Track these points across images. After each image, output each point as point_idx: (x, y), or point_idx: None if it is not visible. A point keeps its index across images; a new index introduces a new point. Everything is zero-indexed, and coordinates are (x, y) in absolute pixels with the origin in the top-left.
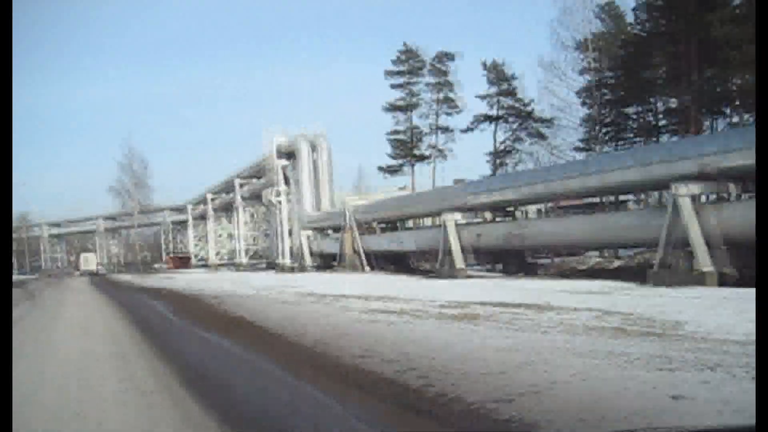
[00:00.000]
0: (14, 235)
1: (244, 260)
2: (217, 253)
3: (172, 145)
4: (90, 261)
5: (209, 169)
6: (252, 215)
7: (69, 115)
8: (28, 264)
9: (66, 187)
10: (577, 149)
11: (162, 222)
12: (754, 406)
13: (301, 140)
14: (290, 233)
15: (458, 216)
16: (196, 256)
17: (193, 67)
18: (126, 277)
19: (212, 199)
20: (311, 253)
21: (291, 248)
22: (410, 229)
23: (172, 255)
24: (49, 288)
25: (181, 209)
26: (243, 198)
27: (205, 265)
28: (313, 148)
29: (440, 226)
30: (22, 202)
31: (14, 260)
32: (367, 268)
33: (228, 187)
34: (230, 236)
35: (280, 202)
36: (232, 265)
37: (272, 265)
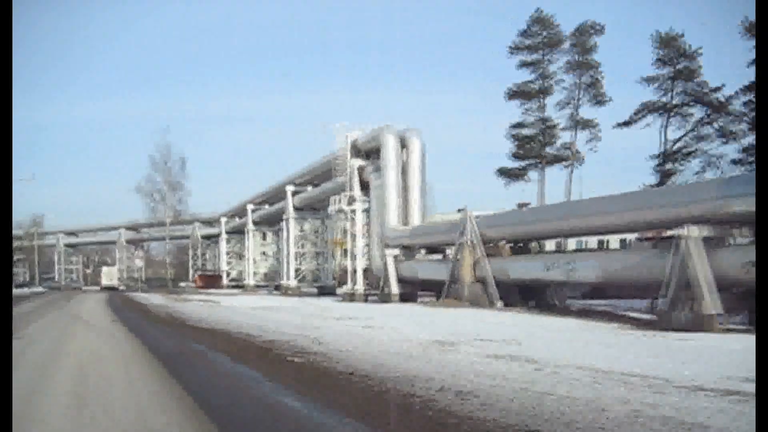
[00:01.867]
0: (24, 243)
1: (293, 283)
2: (255, 274)
3: (204, 149)
4: (111, 275)
5: (247, 178)
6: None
7: (93, 115)
8: (38, 276)
9: (85, 193)
10: (736, 162)
11: (190, 235)
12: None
13: (387, 135)
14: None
15: (705, 232)
16: (228, 275)
17: (225, 67)
18: (156, 300)
19: (253, 210)
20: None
21: (366, 271)
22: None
23: (200, 273)
24: (40, 318)
25: (211, 222)
26: (295, 208)
27: (238, 286)
28: (402, 145)
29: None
30: (33, 203)
31: (24, 271)
32: (499, 303)
33: (273, 198)
34: (264, 254)
35: (353, 212)
36: (275, 288)
37: (326, 290)
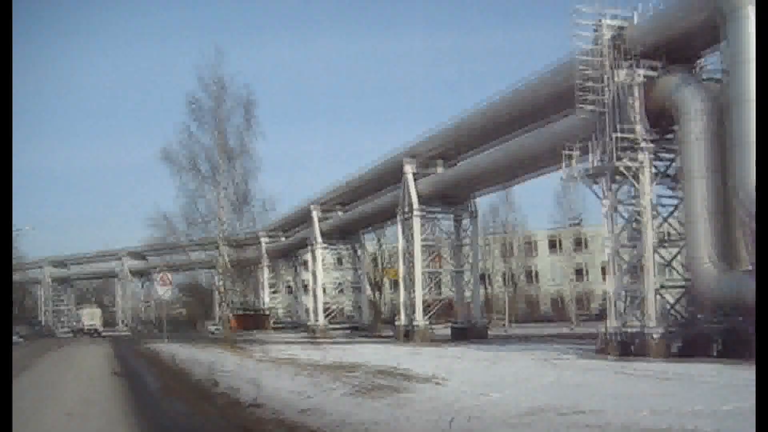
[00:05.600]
0: None
1: (421, 321)
2: (327, 311)
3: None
4: (94, 316)
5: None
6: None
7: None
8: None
9: (78, 213)
10: None
11: (217, 261)
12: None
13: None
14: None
15: None
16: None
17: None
18: (279, 384)
19: (321, 219)
20: None
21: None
22: None
23: (238, 311)
24: None
25: (239, 243)
26: (422, 197)
27: (284, 326)
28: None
29: None
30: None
31: None
32: None
33: (358, 192)
34: (341, 286)
35: (633, 171)
36: (353, 328)
37: (472, 332)
